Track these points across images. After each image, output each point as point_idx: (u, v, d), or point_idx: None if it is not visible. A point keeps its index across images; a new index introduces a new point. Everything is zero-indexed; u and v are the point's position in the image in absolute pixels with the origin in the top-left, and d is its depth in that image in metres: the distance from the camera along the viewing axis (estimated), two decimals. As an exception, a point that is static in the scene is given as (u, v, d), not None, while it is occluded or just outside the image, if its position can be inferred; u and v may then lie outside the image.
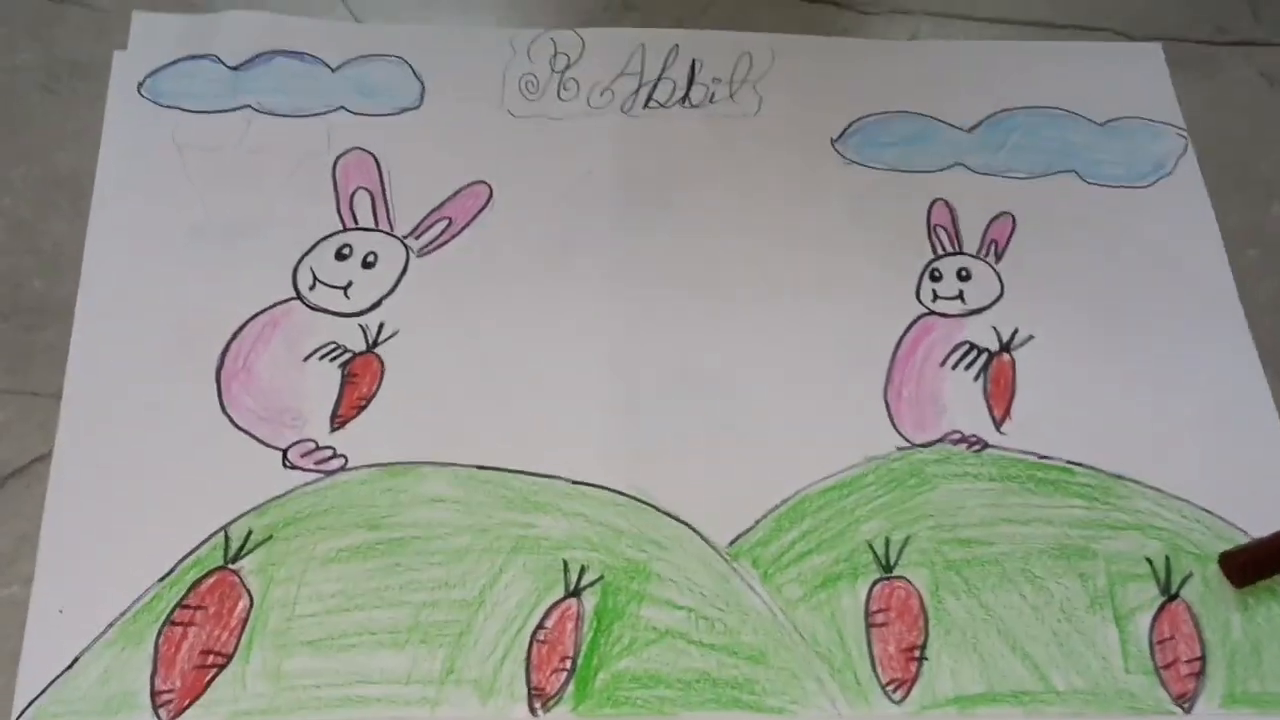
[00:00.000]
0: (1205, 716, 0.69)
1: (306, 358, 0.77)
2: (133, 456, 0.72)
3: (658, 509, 0.73)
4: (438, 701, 0.66)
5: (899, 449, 0.76)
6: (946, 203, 0.86)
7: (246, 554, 0.69)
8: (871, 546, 0.73)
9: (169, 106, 0.85)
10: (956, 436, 0.77)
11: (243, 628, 0.67)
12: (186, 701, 0.65)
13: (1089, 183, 0.89)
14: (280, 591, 0.68)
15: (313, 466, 0.73)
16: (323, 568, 0.69)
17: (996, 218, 0.86)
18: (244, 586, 0.68)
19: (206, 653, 0.66)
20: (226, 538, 0.70)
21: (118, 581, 0.68)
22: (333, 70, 0.88)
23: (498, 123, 0.87)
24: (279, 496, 0.71)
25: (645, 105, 0.89)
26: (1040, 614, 0.71)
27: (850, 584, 0.71)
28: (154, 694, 0.65)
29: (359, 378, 0.76)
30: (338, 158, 0.85)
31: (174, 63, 0.87)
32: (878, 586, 0.72)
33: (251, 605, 0.68)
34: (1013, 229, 0.86)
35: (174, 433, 0.73)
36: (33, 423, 0.72)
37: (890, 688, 0.68)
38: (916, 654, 0.69)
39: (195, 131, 0.84)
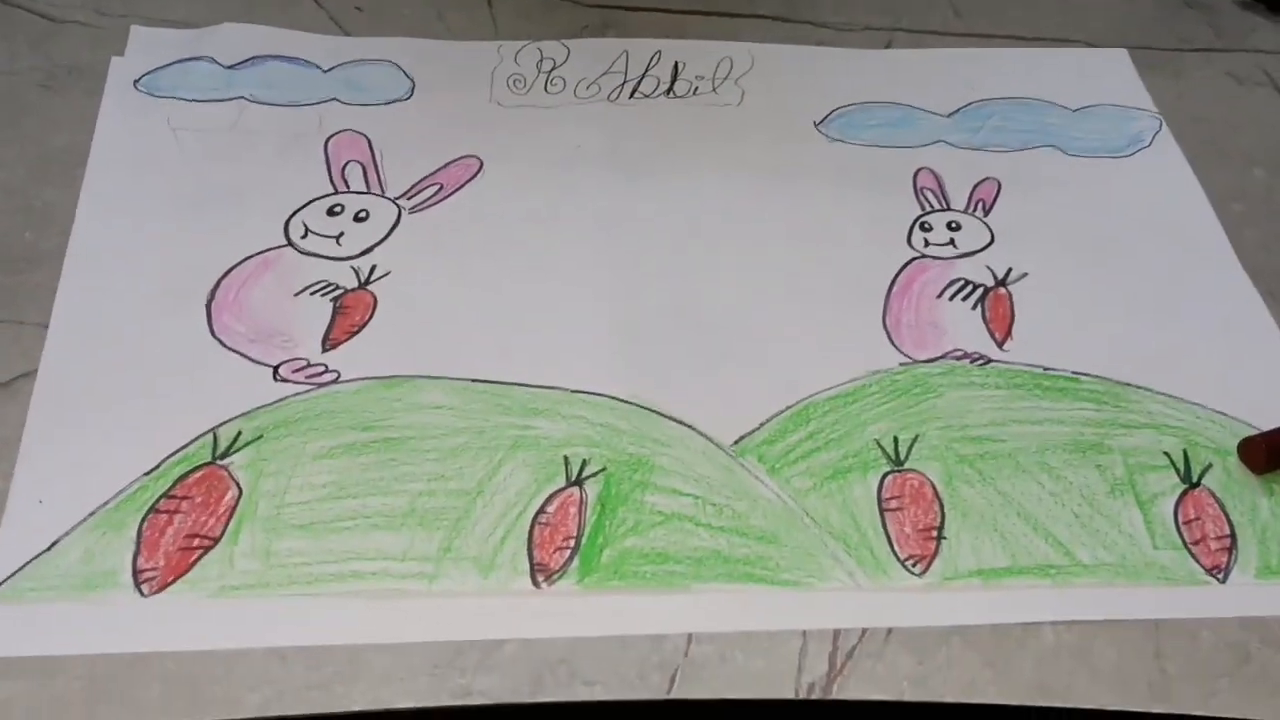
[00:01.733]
0: (1240, 585, 0.66)
1: (298, 293, 0.76)
2: (118, 371, 0.70)
3: (659, 413, 0.71)
4: (435, 576, 0.63)
5: (901, 364, 0.75)
6: (931, 170, 0.87)
7: (235, 452, 0.67)
8: (880, 444, 0.71)
9: (164, 97, 0.87)
10: (959, 353, 0.76)
11: (230, 515, 0.65)
12: (171, 578, 0.62)
13: (1070, 154, 0.90)
14: (270, 484, 0.66)
15: (304, 380, 0.71)
16: (315, 462, 0.67)
17: (981, 181, 0.87)
18: (232, 479, 0.66)
19: (192, 536, 0.63)
20: (215, 438, 0.67)
21: (101, 475, 0.65)
22: (324, 71, 0.90)
23: (487, 110, 0.89)
24: (269, 404, 0.69)
25: (631, 96, 0.91)
26: (1060, 499, 0.68)
27: (861, 475, 0.69)
28: (136, 572, 0.62)
29: (351, 309, 0.75)
30: (330, 137, 0.85)
31: (170, 64, 0.88)
32: (889, 478, 0.69)
33: (240, 495, 0.65)
34: (998, 191, 0.87)
35: (161, 351, 0.71)
36: (18, 348, 0.70)
37: (909, 562, 0.65)
38: (934, 534, 0.67)
39: (189, 117, 0.86)
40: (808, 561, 0.65)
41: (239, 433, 0.67)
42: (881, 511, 0.67)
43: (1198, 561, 0.66)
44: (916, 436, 0.71)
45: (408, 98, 0.89)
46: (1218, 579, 0.66)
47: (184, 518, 0.64)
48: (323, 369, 0.72)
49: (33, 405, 0.68)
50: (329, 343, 0.73)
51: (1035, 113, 0.93)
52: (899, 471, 0.69)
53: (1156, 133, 0.91)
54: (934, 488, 0.69)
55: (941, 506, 0.68)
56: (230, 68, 0.89)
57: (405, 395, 0.71)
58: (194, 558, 0.63)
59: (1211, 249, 0.83)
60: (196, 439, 0.67)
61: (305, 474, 0.66)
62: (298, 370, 0.71)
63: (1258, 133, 0.92)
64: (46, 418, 0.68)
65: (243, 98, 0.87)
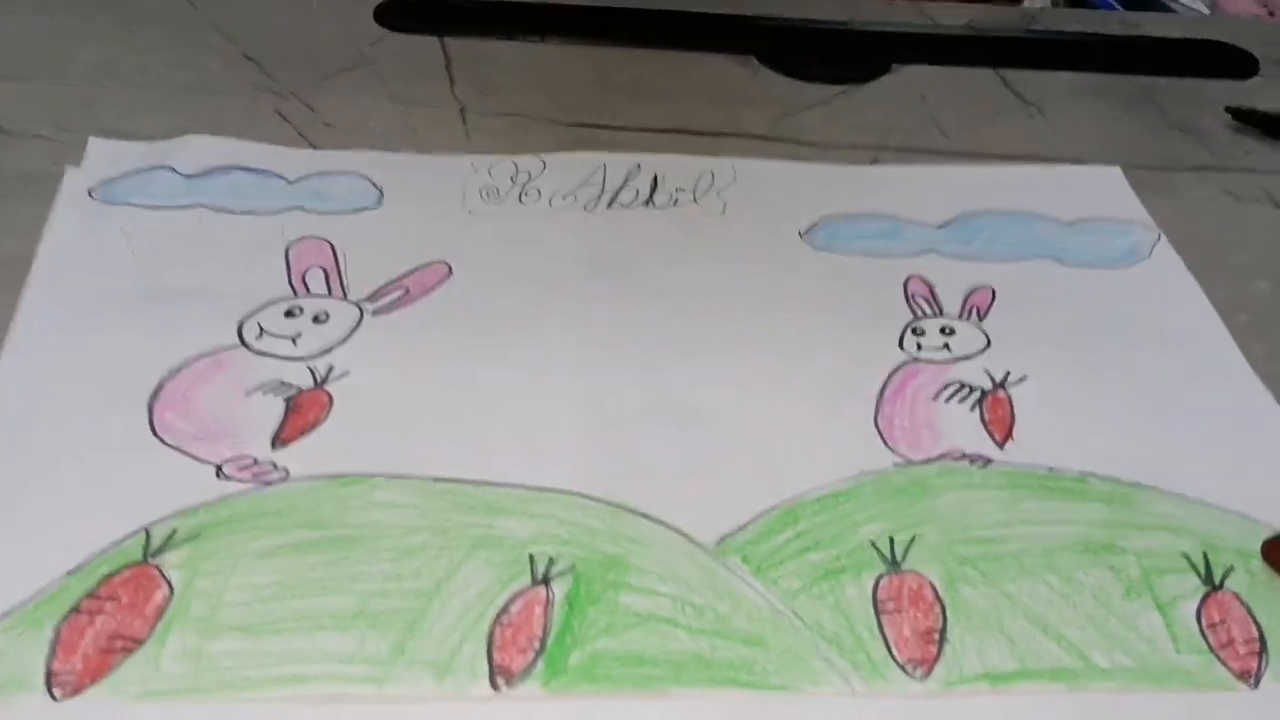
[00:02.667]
0: (1273, 691, 0.60)
1: (250, 392, 0.71)
2: (48, 469, 0.65)
3: (635, 511, 0.66)
4: (385, 679, 0.57)
5: (896, 465, 0.70)
6: (922, 278, 0.83)
7: (169, 550, 0.61)
8: (875, 545, 0.65)
9: (120, 205, 0.83)
10: (958, 454, 0.71)
11: (159, 615, 0.59)
12: (88, 681, 0.56)
13: (1067, 265, 0.87)
14: (207, 583, 0.60)
15: (249, 478, 0.66)
16: (257, 561, 0.61)
17: (975, 290, 0.84)
18: (164, 578, 0.60)
19: (115, 637, 0.57)
20: (147, 535, 0.62)
21: (22, 574, 0.60)
22: (290, 182, 0.87)
23: (459, 219, 0.86)
24: (210, 501, 0.64)
25: (609, 207, 0.87)
26: (1071, 601, 0.63)
27: (855, 577, 0.64)
28: (50, 674, 0.56)
29: (305, 408, 0.70)
30: (291, 243, 0.81)
31: (129, 174, 0.85)
32: (885, 579, 0.64)
33: (172, 595, 0.59)
34: (993, 298, 0.83)
35: (96, 448, 0.66)
36: None
37: (910, 666, 0.60)
38: (935, 636, 0.61)
39: (145, 224, 0.82)
40: (798, 665, 0.59)
41: (174, 530, 0.62)
42: (878, 614, 0.62)
43: (1226, 666, 0.60)
44: (914, 538, 0.66)
45: (376, 206, 0.85)
46: (1249, 684, 0.60)
47: (107, 618, 0.58)
48: (270, 467, 0.67)
49: (-46, 502, 0.62)
50: (279, 441, 0.68)
51: (1029, 226, 0.90)
52: (896, 573, 0.64)
53: (1155, 244, 0.88)
54: (934, 589, 0.64)
55: (943, 609, 0.63)
56: (191, 177, 0.86)
57: (360, 493, 0.65)
58: (115, 659, 0.56)
59: (1220, 352, 0.79)
60: (127, 537, 0.62)
61: (246, 573, 0.61)
62: (244, 468, 0.66)
63: (1259, 248, 0.88)
64: (-33, 515, 0.62)
65: (202, 205, 0.83)
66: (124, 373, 0.71)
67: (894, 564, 0.64)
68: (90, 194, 0.84)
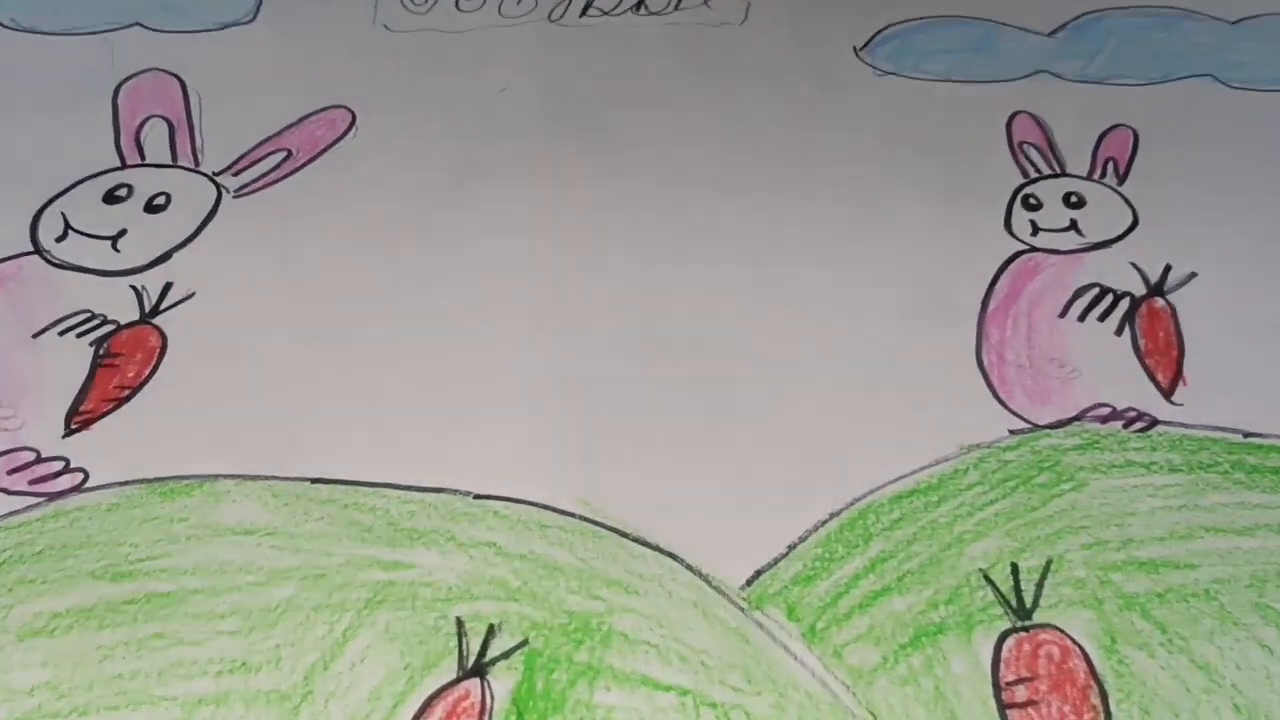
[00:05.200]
0: None
1: (39, 332, 0.50)
2: None
3: (620, 533, 0.45)
4: None
5: (1013, 432, 0.49)
6: (1032, 115, 0.62)
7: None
8: (989, 578, 0.45)
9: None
10: (1105, 412, 0.51)
11: None
12: None
13: (1232, 86, 0.65)
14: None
15: (26, 488, 0.45)
16: (19, 643, 0.39)
17: (1109, 131, 0.62)
18: None
19: None
20: None
21: None
22: (126, -21, 0.62)
23: (368, 37, 0.63)
24: (-48, 533, 0.42)
25: (583, 14, 0.63)
26: (1305, 672, 0.41)
27: (963, 638, 0.44)
28: None
29: (121, 357, 0.51)
30: (122, 82, 0.57)
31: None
32: (1010, 641, 0.43)
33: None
34: (1134, 145, 0.61)
35: None
36: None
37: (1061, 811, 0.37)
38: (1095, 749, 0.39)
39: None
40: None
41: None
42: (1001, 709, 0.41)
43: None
44: (1049, 562, 0.46)
45: (249, 20, 0.63)
46: None
47: None
48: (61, 467, 0.46)
49: None
50: (76, 419, 0.48)
51: (1176, 28, 0.68)
52: (1024, 629, 0.43)
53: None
54: (1085, 657, 0.43)
55: (1102, 691, 0.42)
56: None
57: (193, 510, 0.45)
58: None
59: None
60: None
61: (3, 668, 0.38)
62: (18, 470, 0.46)
63: None
64: None
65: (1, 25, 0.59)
66: None
67: (1022, 611, 0.43)
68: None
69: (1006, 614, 0.44)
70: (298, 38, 0.63)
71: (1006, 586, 0.45)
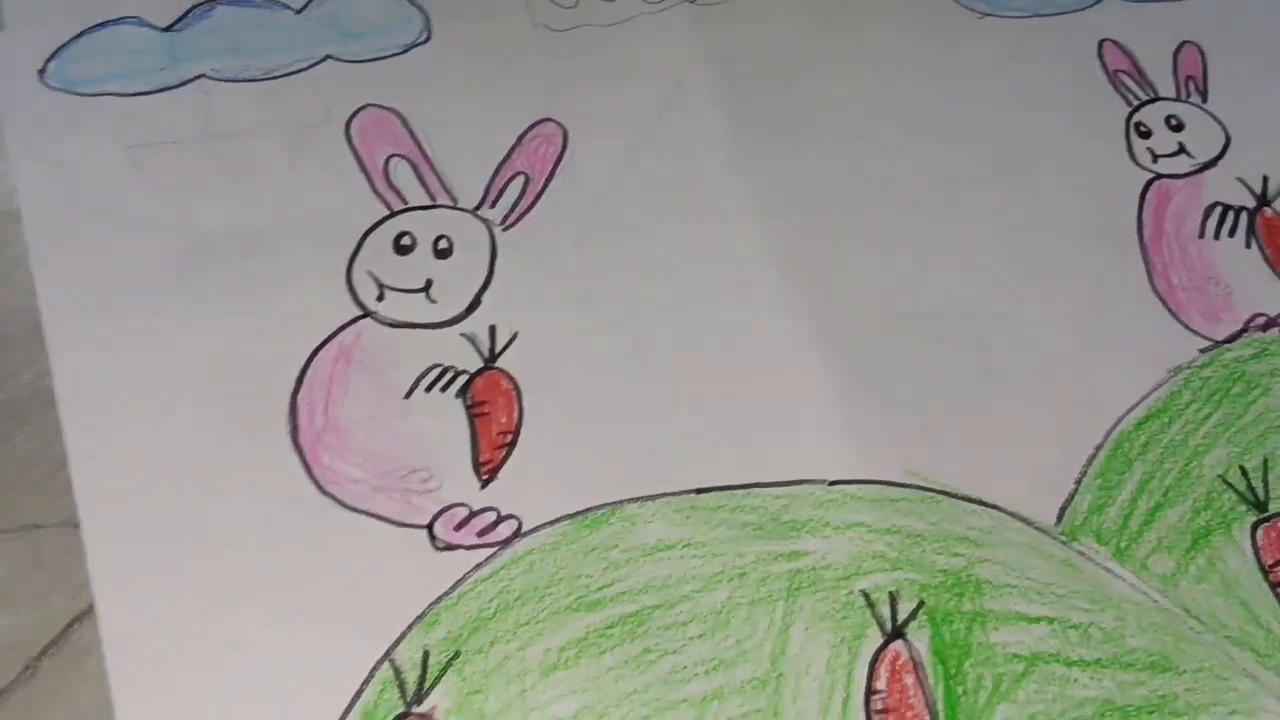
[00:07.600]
0: None
1: (408, 393, 0.53)
2: (204, 584, 0.47)
3: (951, 494, 0.53)
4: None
5: (1202, 351, 0.58)
6: (1116, 43, 0.67)
7: (432, 688, 0.45)
8: (1227, 480, 0.54)
9: (93, 94, 0.59)
10: (1262, 320, 0.59)
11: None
12: None
13: None
14: (500, 730, 0.45)
15: (476, 541, 0.50)
16: (546, 679, 0.46)
17: (1179, 49, 0.68)
18: (445, 735, 0.45)
19: None
20: (396, 671, 0.46)
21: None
22: (297, 12, 0.63)
23: (534, 41, 0.65)
24: (446, 594, 0.48)
25: (720, -8, 0.67)
26: None
27: (1225, 536, 0.53)
28: None
29: (488, 404, 0.53)
30: (347, 122, 0.60)
31: (81, 35, 0.61)
32: (1260, 531, 0.53)
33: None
34: (1203, 60, 0.67)
35: (260, 535, 0.48)
36: (49, 571, 0.46)
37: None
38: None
39: (141, 122, 0.59)
40: (1223, 691, 0.49)
41: (424, 654, 0.47)
42: (1273, 587, 0.50)
43: None
44: (1265, 460, 0.54)
45: (424, 39, 0.64)
46: None
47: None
48: (495, 517, 0.51)
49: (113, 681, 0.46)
50: (483, 469, 0.52)
51: None
52: (1267, 519, 0.53)
53: None
54: None
55: None
56: (167, 30, 0.62)
57: (618, 535, 0.51)
58: None
59: None
60: (368, 679, 0.46)
61: (540, 699, 0.46)
62: (462, 526, 0.50)
63: None
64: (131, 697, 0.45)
65: (203, 76, 0.61)
66: (232, 400, 0.52)
67: (1261, 505, 0.53)
68: (44, 79, 0.60)
69: (1250, 510, 0.54)
70: (475, 51, 0.64)
71: (1242, 486, 0.54)
